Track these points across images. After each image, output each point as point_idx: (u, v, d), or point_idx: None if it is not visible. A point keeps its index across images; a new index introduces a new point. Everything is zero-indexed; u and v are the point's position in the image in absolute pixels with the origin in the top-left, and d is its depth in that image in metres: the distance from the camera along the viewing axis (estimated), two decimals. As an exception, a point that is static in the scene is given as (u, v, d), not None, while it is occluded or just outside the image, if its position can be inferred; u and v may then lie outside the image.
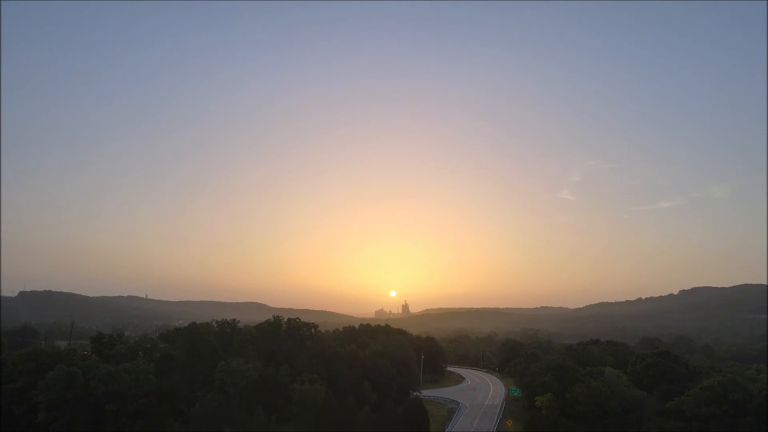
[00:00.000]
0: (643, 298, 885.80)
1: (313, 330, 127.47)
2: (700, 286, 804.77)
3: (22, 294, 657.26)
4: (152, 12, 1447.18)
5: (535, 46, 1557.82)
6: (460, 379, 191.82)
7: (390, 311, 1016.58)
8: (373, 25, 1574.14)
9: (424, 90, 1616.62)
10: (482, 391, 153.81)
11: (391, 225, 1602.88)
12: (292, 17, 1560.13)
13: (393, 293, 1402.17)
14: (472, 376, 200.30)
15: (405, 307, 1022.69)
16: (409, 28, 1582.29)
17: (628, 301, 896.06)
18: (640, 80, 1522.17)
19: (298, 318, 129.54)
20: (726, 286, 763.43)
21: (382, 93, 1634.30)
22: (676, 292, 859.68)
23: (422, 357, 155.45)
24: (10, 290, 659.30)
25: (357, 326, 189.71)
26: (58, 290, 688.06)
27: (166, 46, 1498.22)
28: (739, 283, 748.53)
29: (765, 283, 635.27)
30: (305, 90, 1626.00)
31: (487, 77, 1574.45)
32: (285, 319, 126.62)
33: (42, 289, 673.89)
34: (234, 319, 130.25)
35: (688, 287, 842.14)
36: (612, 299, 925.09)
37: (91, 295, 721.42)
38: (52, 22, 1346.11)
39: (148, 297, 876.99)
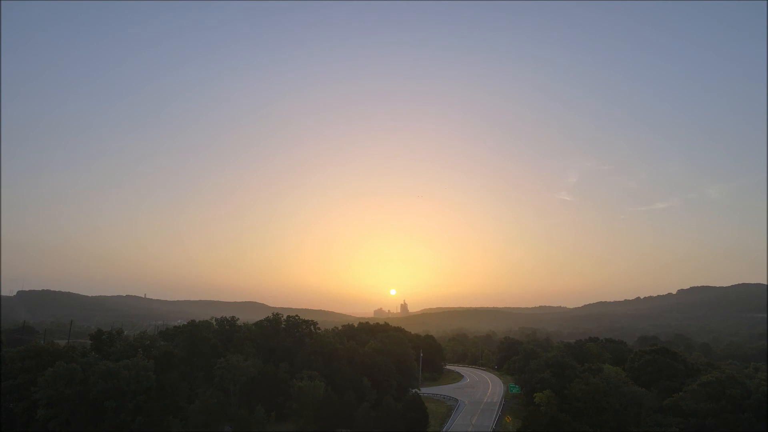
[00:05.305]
0: (642, 297, 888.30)
1: (312, 327, 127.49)
2: (699, 285, 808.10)
3: (21, 293, 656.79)
4: (153, 12, 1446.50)
5: (533, 48, 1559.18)
6: (459, 377, 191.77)
7: (389, 311, 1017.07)
8: (373, 25, 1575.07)
9: (422, 90, 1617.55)
10: (481, 389, 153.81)
11: (390, 224, 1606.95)
12: (291, 18, 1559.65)
13: (393, 291, 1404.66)
14: (471, 374, 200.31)
15: (404, 306, 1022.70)
16: (408, 28, 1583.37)
17: (626, 301, 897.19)
18: (637, 81, 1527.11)
19: (297, 315, 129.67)
20: (724, 285, 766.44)
21: (380, 93, 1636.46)
22: (674, 292, 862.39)
23: (421, 355, 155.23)
24: (9, 290, 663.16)
25: (356, 325, 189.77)
26: (57, 290, 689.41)
27: (166, 47, 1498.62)
28: (737, 283, 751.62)
29: (763, 282, 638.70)
30: (304, 90, 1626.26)
31: (486, 78, 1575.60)
32: (284, 317, 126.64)
33: (40, 289, 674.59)
34: (233, 317, 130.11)
35: (686, 287, 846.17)
36: (610, 299, 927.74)
37: (89, 295, 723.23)
38: (52, 22, 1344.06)
39: (147, 296, 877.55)
